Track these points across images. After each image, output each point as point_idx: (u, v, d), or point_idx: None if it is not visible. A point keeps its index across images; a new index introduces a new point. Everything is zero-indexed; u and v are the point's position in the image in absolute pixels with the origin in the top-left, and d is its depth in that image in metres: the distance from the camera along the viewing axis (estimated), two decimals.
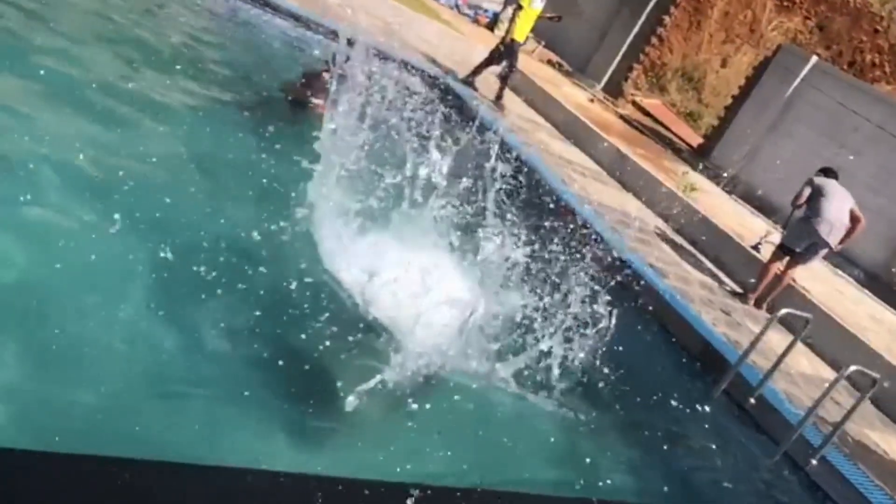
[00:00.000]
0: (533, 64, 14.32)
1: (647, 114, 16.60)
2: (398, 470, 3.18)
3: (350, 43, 4.50)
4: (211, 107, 5.77)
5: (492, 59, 10.59)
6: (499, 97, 10.32)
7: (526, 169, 7.24)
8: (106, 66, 5.48)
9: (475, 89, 10.41)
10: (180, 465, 2.51)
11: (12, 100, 4.38)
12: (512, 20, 10.45)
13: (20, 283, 3.15)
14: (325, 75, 6.03)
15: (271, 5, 9.06)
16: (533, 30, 11.12)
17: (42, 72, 4.78)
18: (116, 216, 3.63)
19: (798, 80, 13.16)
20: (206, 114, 5.60)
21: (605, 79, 16.74)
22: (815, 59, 13.42)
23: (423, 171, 4.32)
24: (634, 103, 16.87)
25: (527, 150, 8.21)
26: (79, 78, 5.03)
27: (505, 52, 10.44)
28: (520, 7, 10.39)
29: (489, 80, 10.66)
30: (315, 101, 6.18)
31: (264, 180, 4.71)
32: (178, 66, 6.13)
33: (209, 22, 7.86)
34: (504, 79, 10.38)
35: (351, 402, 3.30)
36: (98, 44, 5.90)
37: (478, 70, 10.59)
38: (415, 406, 3.55)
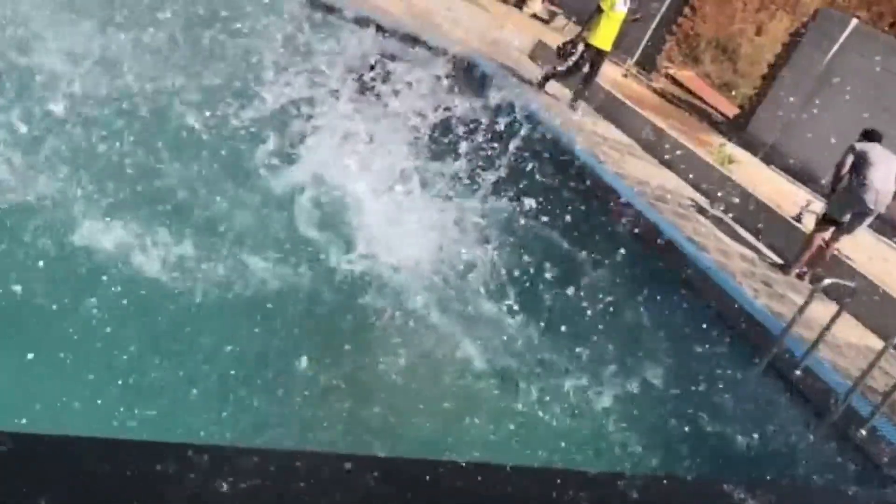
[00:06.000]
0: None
1: (681, 86, 16.33)
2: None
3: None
4: None
5: (573, 68, 9.94)
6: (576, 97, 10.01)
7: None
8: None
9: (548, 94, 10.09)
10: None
11: None
12: (588, 23, 9.85)
13: None
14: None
15: None
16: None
17: None
18: None
19: (837, 45, 12.79)
20: None
21: (638, 52, 16.48)
22: (854, 22, 13.03)
23: None
24: (668, 76, 16.60)
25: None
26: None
27: (586, 60, 9.83)
28: (599, 10, 9.65)
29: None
30: None
31: None
32: None
33: None
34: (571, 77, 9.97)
35: None
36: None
37: (553, 76, 10.18)
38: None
